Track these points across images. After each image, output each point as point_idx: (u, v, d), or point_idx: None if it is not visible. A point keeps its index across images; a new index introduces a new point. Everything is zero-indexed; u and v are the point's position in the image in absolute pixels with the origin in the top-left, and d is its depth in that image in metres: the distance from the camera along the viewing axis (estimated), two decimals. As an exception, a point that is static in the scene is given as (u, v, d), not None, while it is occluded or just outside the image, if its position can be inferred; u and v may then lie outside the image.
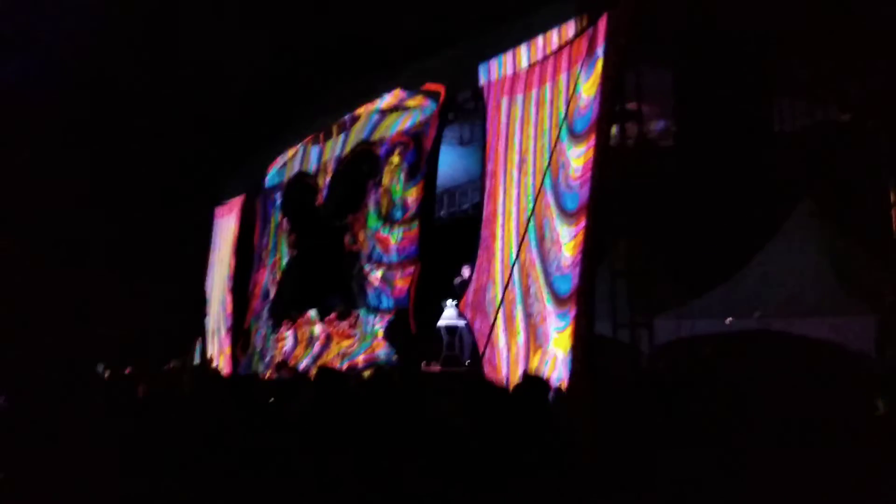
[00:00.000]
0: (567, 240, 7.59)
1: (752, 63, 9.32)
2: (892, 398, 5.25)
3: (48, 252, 14.09)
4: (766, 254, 9.47)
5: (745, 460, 3.74)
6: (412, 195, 10.65)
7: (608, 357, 7.94)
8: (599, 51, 7.70)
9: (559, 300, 7.57)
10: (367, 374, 10.20)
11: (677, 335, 8.59)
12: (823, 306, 8.69)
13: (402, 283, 10.49)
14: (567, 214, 7.69)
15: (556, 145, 7.92)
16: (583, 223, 7.45)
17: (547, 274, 7.80)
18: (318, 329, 11.82)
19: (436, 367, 10.59)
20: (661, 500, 3.47)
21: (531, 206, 8.13)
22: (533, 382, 4.64)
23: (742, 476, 3.59)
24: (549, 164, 7.96)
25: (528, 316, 8.00)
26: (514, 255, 8.28)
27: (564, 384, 7.00)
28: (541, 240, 7.98)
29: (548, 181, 7.97)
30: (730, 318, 8.75)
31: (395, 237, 10.69)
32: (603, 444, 4.09)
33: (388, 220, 10.91)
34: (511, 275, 8.17)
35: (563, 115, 7.98)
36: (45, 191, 14.23)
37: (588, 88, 7.75)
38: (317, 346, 11.75)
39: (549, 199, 7.94)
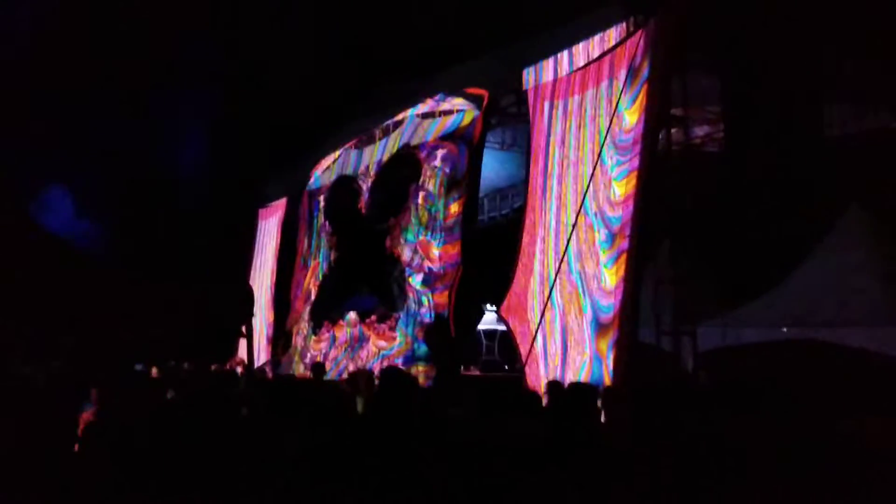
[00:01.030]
0: (609, 264, 7.53)
1: (802, 68, 9.16)
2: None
3: (95, 253, 14.41)
4: (813, 262, 9.27)
5: (788, 476, 3.70)
6: (454, 199, 10.68)
7: (651, 364, 7.87)
8: (645, 69, 7.60)
9: (600, 321, 7.54)
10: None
11: (722, 343, 8.47)
12: (873, 316, 8.48)
13: (442, 287, 10.53)
14: (608, 238, 7.65)
15: (596, 164, 7.87)
16: (624, 247, 7.39)
17: (588, 293, 7.76)
18: (358, 331, 11.92)
19: (475, 371, 10.62)
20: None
21: (570, 221, 8.11)
22: (580, 391, 4.64)
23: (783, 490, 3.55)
24: (590, 182, 7.90)
25: (566, 326, 7.98)
26: (553, 269, 8.26)
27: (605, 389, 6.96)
28: (581, 259, 7.94)
29: (588, 203, 7.92)
30: (779, 329, 8.58)
31: (436, 241, 10.73)
32: (640, 450, 4.07)
33: (429, 224, 10.96)
34: (552, 289, 8.14)
35: (604, 133, 7.92)
36: (89, 192, 14.56)
37: (632, 113, 7.67)
38: (356, 348, 11.85)
39: (591, 220, 7.90)
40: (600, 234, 7.72)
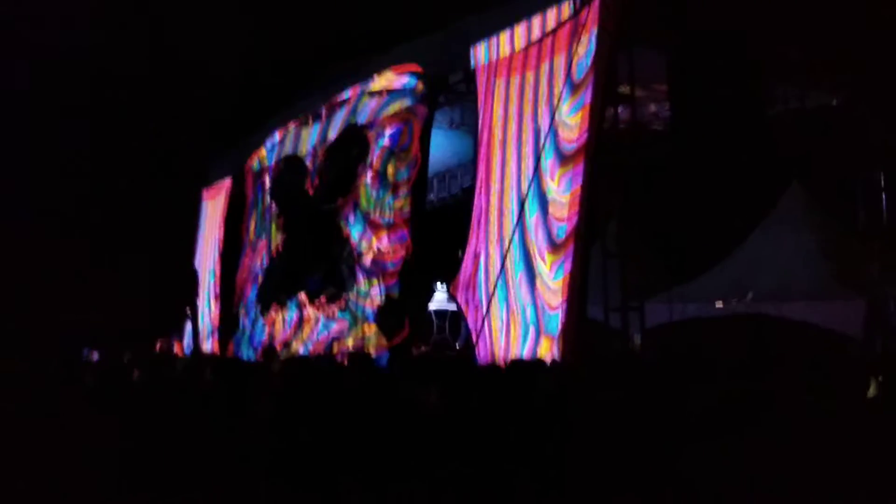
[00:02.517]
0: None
1: (745, 46, 9.30)
2: (882, 381, 5.30)
3: (36, 235, 13.99)
4: (756, 238, 9.48)
5: (734, 447, 3.74)
6: (403, 179, 10.60)
7: (599, 340, 7.98)
8: (588, 60, 7.62)
9: (548, 306, 7.63)
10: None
11: (669, 319, 8.62)
12: (812, 290, 8.72)
13: (392, 267, 10.47)
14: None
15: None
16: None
17: (534, 281, 7.86)
18: (307, 312, 11.79)
19: (426, 350, 10.61)
20: (643, 481, 3.48)
21: (515, 209, 8.20)
22: (522, 366, 4.67)
23: (729, 462, 3.59)
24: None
25: (511, 305, 8.04)
26: (500, 251, 8.31)
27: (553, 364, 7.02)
28: (526, 248, 8.02)
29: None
30: (719, 303, 8.78)
31: (385, 221, 10.65)
32: (589, 427, 4.09)
33: (378, 203, 10.86)
34: (500, 270, 8.20)
35: (544, 131, 7.97)
36: (30, 171, 14.12)
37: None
38: (306, 329, 11.72)
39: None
40: (543, 232, 7.81)
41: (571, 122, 7.77)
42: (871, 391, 5.44)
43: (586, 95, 7.68)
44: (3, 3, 12.41)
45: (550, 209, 7.74)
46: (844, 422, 4.16)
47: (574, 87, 7.82)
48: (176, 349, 11.99)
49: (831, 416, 4.28)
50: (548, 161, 7.90)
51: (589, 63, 7.70)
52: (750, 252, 9.34)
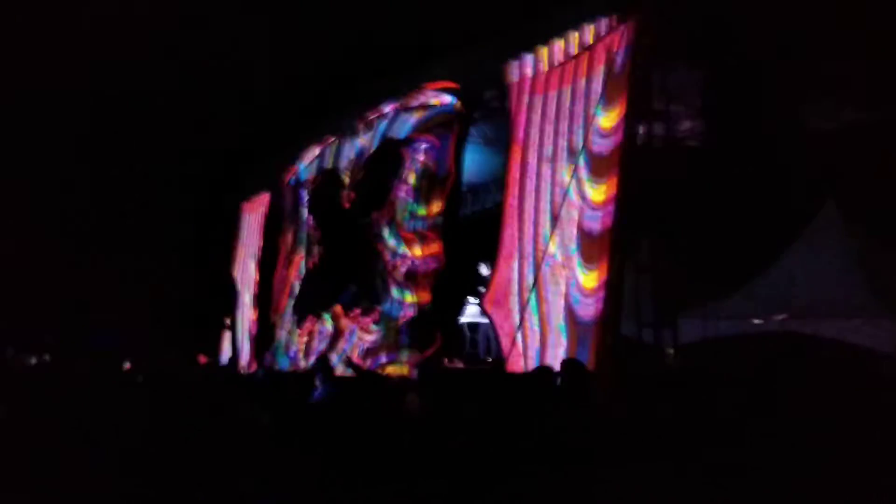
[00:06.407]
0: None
1: (781, 61, 9.27)
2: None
3: (77, 246, 14.32)
4: (791, 254, 9.41)
5: (769, 465, 3.74)
6: (437, 193, 10.70)
7: (632, 356, 7.96)
8: (624, 67, 7.69)
9: (580, 317, 7.68)
10: (389, 369, 10.35)
11: (702, 335, 8.58)
12: (849, 307, 8.63)
13: (425, 280, 10.55)
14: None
15: (572, 169, 8.00)
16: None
17: (566, 290, 7.90)
18: (341, 325, 11.91)
19: (459, 364, 10.67)
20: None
21: (547, 219, 8.26)
22: (542, 372, 4.73)
23: (765, 480, 3.59)
24: (568, 184, 8.02)
25: (545, 318, 8.08)
26: (532, 264, 8.37)
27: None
28: (558, 256, 8.08)
29: (564, 208, 8.08)
30: (754, 320, 8.72)
31: (419, 235, 10.76)
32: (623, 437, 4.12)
33: (412, 218, 10.98)
34: (534, 283, 8.26)
35: (581, 136, 8.03)
36: (74, 183, 14.47)
37: (609, 120, 7.80)
38: (340, 342, 11.84)
39: (567, 224, 8.06)
40: (576, 238, 7.88)
41: (605, 137, 7.84)
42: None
43: (621, 111, 7.76)
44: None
45: (584, 223, 7.81)
46: (882, 440, 4.13)
47: (609, 103, 7.89)
48: (204, 360, 12.16)
49: (867, 436, 4.26)
50: (582, 175, 7.98)
51: (624, 79, 7.78)
52: (785, 269, 9.28)
